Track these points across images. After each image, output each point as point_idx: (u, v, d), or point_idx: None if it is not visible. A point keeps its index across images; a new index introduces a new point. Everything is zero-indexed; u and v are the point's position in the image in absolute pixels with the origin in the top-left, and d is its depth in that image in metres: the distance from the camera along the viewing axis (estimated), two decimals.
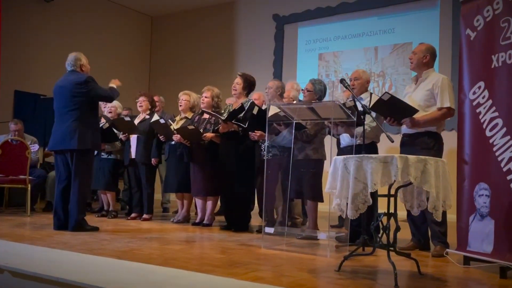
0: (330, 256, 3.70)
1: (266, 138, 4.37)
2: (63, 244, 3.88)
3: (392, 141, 3.89)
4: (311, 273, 3.13)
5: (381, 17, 8.72)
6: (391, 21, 8.60)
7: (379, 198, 3.06)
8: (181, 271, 2.93)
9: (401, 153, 4.16)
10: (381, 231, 3.07)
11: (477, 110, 3.62)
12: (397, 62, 8.48)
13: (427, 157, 2.88)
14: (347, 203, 3.16)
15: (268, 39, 9.77)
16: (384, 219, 3.11)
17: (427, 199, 3.15)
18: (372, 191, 2.82)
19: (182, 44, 11.00)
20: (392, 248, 3.06)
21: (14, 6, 8.68)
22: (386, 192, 3.08)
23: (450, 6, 8.02)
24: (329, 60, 9.17)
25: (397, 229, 3.06)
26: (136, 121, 5.99)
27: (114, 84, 5.14)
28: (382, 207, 3.07)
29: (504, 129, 3.38)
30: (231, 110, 5.15)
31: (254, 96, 5.68)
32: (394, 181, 2.83)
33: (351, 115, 3.96)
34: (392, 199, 3.08)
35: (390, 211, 3.06)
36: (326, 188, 3.21)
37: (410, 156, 2.81)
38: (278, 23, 9.74)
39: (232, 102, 6.20)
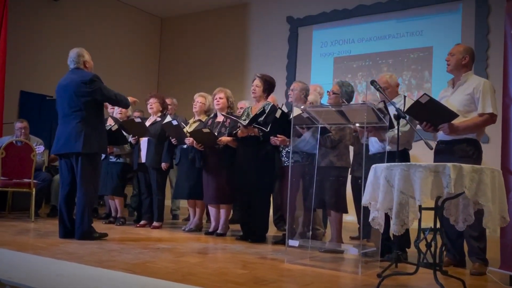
0: (361, 273, 3.37)
1: (290, 143, 4.04)
2: (69, 254, 3.57)
3: (431, 149, 3.57)
4: None
5: (400, 20, 8.42)
6: (411, 25, 8.29)
7: None
8: None
9: (435, 161, 3.85)
10: (426, 248, 2.74)
11: None
12: (417, 67, 8.17)
13: (482, 166, 2.56)
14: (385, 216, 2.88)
15: (282, 42, 9.49)
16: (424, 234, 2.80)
17: (475, 212, 2.86)
18: (422, 204, 2.50)
19: (192, 46, 10.74)
20: (438, 268, 2.73)
21: (21, 5, 8.43)
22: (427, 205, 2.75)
23: (473, 9, 7.72)
24: (345, 63, 8.86)
25: (443, 246, 2.75)
26: (147, 124, 5.69)
27: (130, 99, 4.86)
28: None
29: None
30: (250, 113, 4.84)
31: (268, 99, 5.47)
32: (447, 193, 2.50)
33: (383, 119, 3.66)
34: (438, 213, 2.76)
35: (436, 226, 2.74)
36: (363, 199, 2.90)
37: (464, 165, 2.50)
38: (292, 25, 9.46)
39: (244, 105, 5.91)
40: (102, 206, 7.32)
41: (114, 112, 6.10)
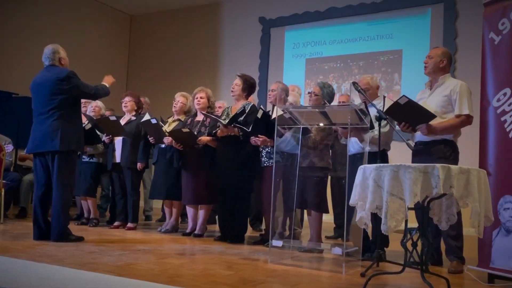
0: (345, 273, 3.41)
1: (274, 143, 4.05)
2: (49, 257, 3.46)
3: (412, 149, 3.65)
4: None
5: (371, 23, 8.57)
6: (381, 28, 8.46)
7: None
8: None
9: (414, 162, 3.93)
10: (412, 248, 2.80)
11: (502, 118, 3.42)
12: (387, 69, 8.33)
13: (469, 167, 2.63)
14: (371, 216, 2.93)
15: (254, 42, 9.51)
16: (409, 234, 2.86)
17: (458, 212, 2.94)
18: (411, 204, 2.55)
19: (163, 44, 10.62)
20: (424, 267, 2.79)
21: None
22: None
23: (441, 14, 7.93)
24: (317, 65, 8.95)
25: (430, 246, 2.81)
26: (122, 122, 5.59)
27: (106, 81, 4.70)
28: None
29: None
30: (230, 112, 4.82)
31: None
32: (436, 193, 2.56)
33: (365, 120, 3.71)
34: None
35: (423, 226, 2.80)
36: (351, 199, 2.94)
37: (452, 166, 2.56)
38: (265, 26, 9.49)
39: (223, 105, 5.90)
40: (73, 207, 7.13)
41: (88, 110, 5.96)
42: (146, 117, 5.32)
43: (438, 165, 2.54)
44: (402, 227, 2.81)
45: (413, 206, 2.80)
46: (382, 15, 8.42)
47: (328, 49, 8.89)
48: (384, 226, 2.62)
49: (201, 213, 5.10)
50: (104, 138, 5.65)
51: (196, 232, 5.09)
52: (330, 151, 4.68)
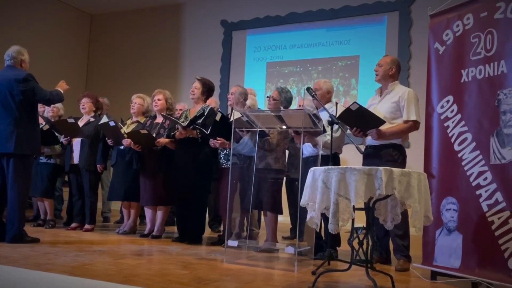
0: (297, 271, 3.54)
1: (231, 146, 4.15)
2: (3, 258, 3.45)
3: (362, 153, 3.82)
4: None
5: (330, 29, 8.79)
6: (339, 34, 8.69)
7: None
8: None
9: (364, 165, 4.12)
10: (358, 246, 2.95)
11: (445, 124, 3.63)
12: (344, 74, 8.57)
13: (410, 170, 2.80)
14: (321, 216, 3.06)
15: (216, 44, 9.59)
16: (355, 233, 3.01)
17: (401, 213, 3.11)
18: (356, 204, 2.70)
19: (124, 45, 10.56)
20: (369, 265, 2.95)
21: None
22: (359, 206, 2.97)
23: (396, 22, 8.22)
24: (277, 69, 9.11)
25: (374, 244, 2.97)
26: (80, 124, 5.57)
27: (60, 87, 4.67)
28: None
29: (474, 144, 3.39)
30: (188, 115, 4.89)
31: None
32: (379, 194, 2.72)
33: (318, 124, 3.86)
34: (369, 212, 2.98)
35: (368, 226, 2.96)
36: (302, 200, 3.07)
37: (394, 169, 2.72)
38: (226, 29, 9.58)
39: (183, 107, 5.96)
40: (29, 208, 7.02)
41: (45, 111, 5.90)
42: (104, 119, 5.32)
43: (381, 168, 2.69)
44: (347, 227, 2.96)
45: (362, 207, 2.97)
46: (340, 21, 8.66)
47: (288, 54, 9.06)
48: (331, 226, 2.76)
49: (159, 214, 5.15)
50: (62, 139, 5.62)
51: (154, 233, 5.13)
52: (287, 153, 4.82)
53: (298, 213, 3.55)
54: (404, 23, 8.13)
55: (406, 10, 8.09)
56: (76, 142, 5.56)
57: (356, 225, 3.07)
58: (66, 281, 2.81)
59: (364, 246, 2.95)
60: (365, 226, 2.93)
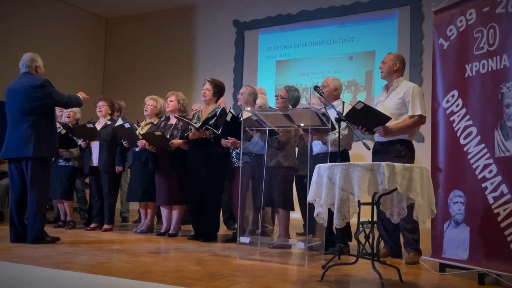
0: (307, 265, 3.63)
1: (241, 145, 4.25)
2: (25, 258, 3.62)
3: (369, 149, 3.87)
4: (295, 284, 3.05)
5: (341, 26, 8.84)
6: (351, 30, 8.73)
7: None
8: (162, 286, 2.78)
9: (374, 161, 4.18)
10: (364, 240, 3.03)
11: (451, 119, 3.67)
12: (356, 71, 8.61)
13: (412, 165, 2.87)
14: (328, 212, 3.14)
15: (229, 45, 9.70)
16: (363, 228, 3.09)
17: (407, 206, 3.18)
18: (360, 199, 2.78)
19: (139, 48, 10.75)
20: (375, 258, 3.02)
21: None
22: (365, 200, 3.05)
23: (408, 16, 8.23)
24: (289, 67, 9.18)
25: (380, 237, 3.05)
26: (97, 127, 5.73)
27: (80, 95, 4.85)
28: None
29: (479, 137, 3.44)
30: (200, 116, 5.01)
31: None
32: (382, 189, 2.79)
33: (326, 122, 3.94)
34: (374, 207, 3.06)
35: (373, 220, 3.03)
36: (309, 196, 3.15)
37: (396, 164, 2.80)
38: (239, 29, 9.69)
39: (199, 108, 6.07)
40: (50, 210, 7.23)
41: (62, 116, 6.09)
42: (119, 121, 5.48)
43: (383, 163, 2.77)
44: (355, 221, 3.04)
45: (370, 202, 3.05)
46: (352, 18, 8.69)
47: (300, 51, 9.13)
48: (336, 220, 2.84)
49: (175, 214, 5.28)
50: (80, 142, 5.79)
51: (170, 232, 5.26)
52: (296, 150, 4.90)
53: (307, 209, 3.64)
54: (416, 17, 8.13)
55: (418, 4, 8.08)
56: (95, 145, 5.73)
57: (363, 220, 3.15)
58: (85, 278, 2.95)
59: (371, 240, 3.03)
60: (369, 220, 3.00)
